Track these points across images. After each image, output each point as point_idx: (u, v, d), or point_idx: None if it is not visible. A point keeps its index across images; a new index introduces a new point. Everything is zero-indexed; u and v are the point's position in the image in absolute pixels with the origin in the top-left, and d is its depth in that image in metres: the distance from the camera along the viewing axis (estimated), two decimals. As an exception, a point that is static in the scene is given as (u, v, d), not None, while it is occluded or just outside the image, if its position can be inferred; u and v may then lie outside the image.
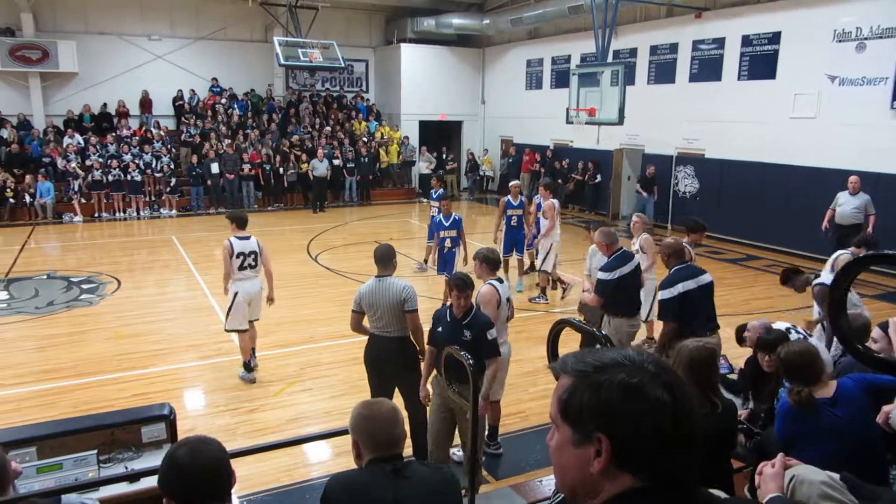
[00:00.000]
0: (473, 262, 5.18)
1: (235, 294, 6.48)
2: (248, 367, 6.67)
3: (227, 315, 6.62)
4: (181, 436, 3.87)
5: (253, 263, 6.50)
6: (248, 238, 6.52)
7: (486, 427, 5.03)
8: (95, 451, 3.41)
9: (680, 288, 4.99)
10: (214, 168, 17.42)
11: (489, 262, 5.06)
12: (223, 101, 20.04)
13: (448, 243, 8.92)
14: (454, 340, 4.18)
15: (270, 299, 6.77)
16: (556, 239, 9.41)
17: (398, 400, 4.63)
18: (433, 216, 9.86)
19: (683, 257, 5.33)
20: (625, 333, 5.74)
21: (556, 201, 9.61)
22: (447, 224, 8.97)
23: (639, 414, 1.05)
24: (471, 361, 3.59)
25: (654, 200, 15.41)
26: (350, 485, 2.28)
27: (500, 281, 5.09)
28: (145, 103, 19.43)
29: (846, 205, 10.39)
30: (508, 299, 5.11)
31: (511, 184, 10.52)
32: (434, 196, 10.79)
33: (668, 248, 5.32)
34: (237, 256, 6.42)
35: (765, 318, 5.21)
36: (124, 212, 16.90)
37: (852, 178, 10.45)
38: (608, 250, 5.82)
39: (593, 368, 1.10)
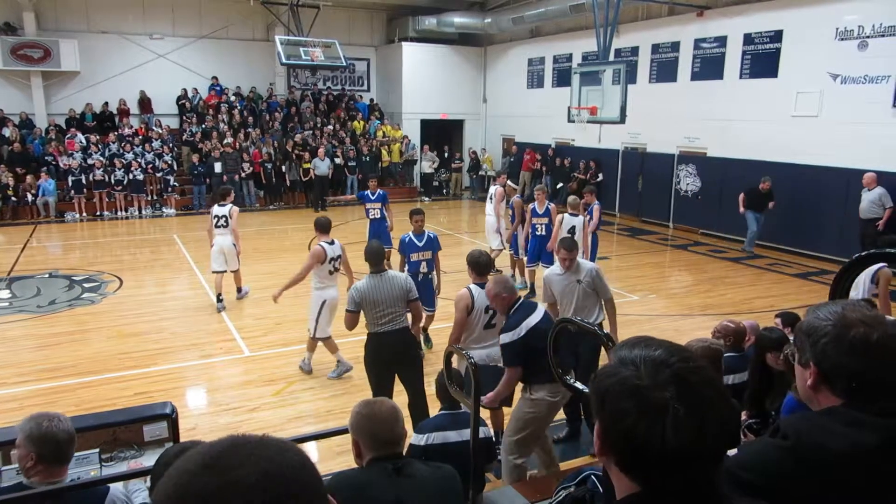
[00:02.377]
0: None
1: (212, 245, 8.97)
2: (219, 298, 9.00)
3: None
4: (183, 434, 3.88)
5: (224, 224, 8.96)
6: (224, 205, 9.00)
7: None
8: (97, 450, 3.41)
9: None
10: (217, 168, 17.43)
11: (473, 266, 4.91)
12: (231, 97, 20.06)
13: (423, 267, 7.06)
14: None
15: (236, 246, 9.06)
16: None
17: (398, 399, 4.62)
18: (402, 237, 7.38)
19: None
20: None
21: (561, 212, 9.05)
22: (421, 244, 7.05)
23: (626, 419, 1.00)
24: (472, 360, 3.58)
25: (763, 220, 12.65)
26: (352, 484, 2.28)
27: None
28: (147, 102, 19.44)
29: (863, 200, 10.69)
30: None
31: (536, 188, 9.73)
32: (372, 198, 9.85)
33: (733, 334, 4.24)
34: (214, 217, 8.99)
35: (752, 320, 5.20)
36: (126, 210, 16.92)
37: (867, 175, 10.64)
38: None
39: (618, 361, 1.06)
